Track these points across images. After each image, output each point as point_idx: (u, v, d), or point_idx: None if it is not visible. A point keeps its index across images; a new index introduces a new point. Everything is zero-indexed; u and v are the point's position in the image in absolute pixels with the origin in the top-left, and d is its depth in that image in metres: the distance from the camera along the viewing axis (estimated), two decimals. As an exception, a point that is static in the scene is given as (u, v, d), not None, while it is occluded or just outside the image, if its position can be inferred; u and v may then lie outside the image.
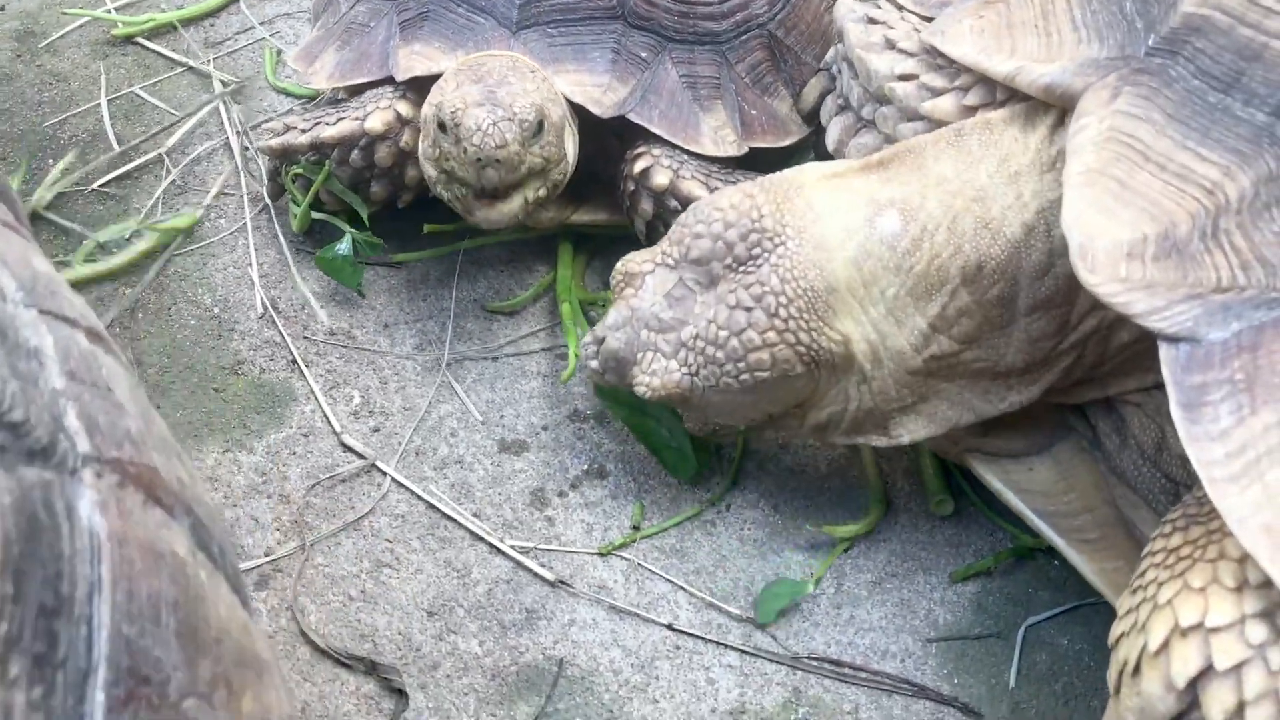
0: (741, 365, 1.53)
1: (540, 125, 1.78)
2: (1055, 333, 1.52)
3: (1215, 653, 1.15)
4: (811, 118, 2.02)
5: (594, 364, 1.62)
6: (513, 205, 1.82)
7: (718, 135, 1.95)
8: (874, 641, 1.68)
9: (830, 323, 1.51)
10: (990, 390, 1.58)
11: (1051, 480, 1.63)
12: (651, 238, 1.93)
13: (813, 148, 1.96)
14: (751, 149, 1.98)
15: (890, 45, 1.72)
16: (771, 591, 1.70)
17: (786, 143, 2.01)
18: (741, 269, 1.53)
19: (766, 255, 1.52)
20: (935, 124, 1.63)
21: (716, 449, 1.84)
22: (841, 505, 1.81)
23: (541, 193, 1.84)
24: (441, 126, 1.79)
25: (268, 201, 2.13)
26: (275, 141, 1.99)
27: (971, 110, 1.61)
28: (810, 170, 1.59)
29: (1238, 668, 1.14)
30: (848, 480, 1.83)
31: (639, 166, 1.91)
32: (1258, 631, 1.15)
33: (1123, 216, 1.31)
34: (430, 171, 1.87)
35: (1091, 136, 1.36)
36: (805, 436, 1.66)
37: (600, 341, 1.60)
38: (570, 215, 2.03)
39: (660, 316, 1.56)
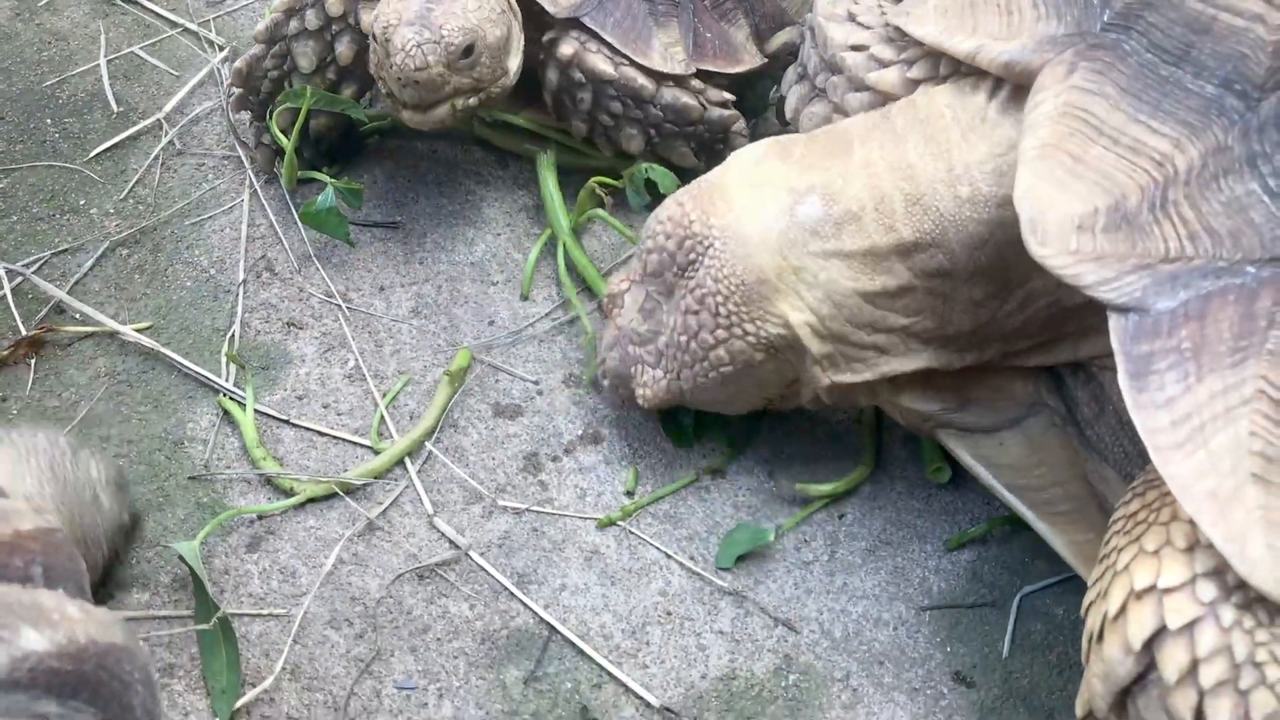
0: (706, 364, 1.60)
1: (470, 49, 1.82)
2: (996, 294, 1.54)
3: (1168, 613, 1.17)
4: (773, 60, 2.06)
5: (606, 384, 1.73)
6: (438, 113, 1.87)
7: (668, 52, 1.96)
8: (867, 609, 1.67)
9: (770, 310, 1.55)
10: (942, 351, 1.60)
11: (1022, 454, 1.63)
12: (559, 111, 2.01)
13: (776, 115, 1.96)
14: (711, 73, 2.00)
15: (852, 18, 1.75)
16: (732, 538, 1.70)
17: (737, 70, 2.03)
18: (685, 275, 1.59)
19: (700, 259, 1.57)
20: (881, 95, 1.66)
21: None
22: (837, 472, 1.79)
23: (472, 102, 1.89)
24: (374, 37, 1.84)
25: (260, 171, 2.12)
26: (239, 63, 2.02)
27: (914, 84, 1.64)
28: (733, 168, 1.62)
29: (1189, 626, 1.16)
30: (845, 446, 1.82)
31: (549, 35, 1.94)
32: (1208, 590, 1.17)
33: (1075, 189, 1.33)
34: (373, 68, 1.92)
35: (1047, 112, 1.38)
36: (813, 406, 1.69)
37: (603, 364, 1.71)
38: (511, 116, 2.07)
39: (639, 331, 1.66)
